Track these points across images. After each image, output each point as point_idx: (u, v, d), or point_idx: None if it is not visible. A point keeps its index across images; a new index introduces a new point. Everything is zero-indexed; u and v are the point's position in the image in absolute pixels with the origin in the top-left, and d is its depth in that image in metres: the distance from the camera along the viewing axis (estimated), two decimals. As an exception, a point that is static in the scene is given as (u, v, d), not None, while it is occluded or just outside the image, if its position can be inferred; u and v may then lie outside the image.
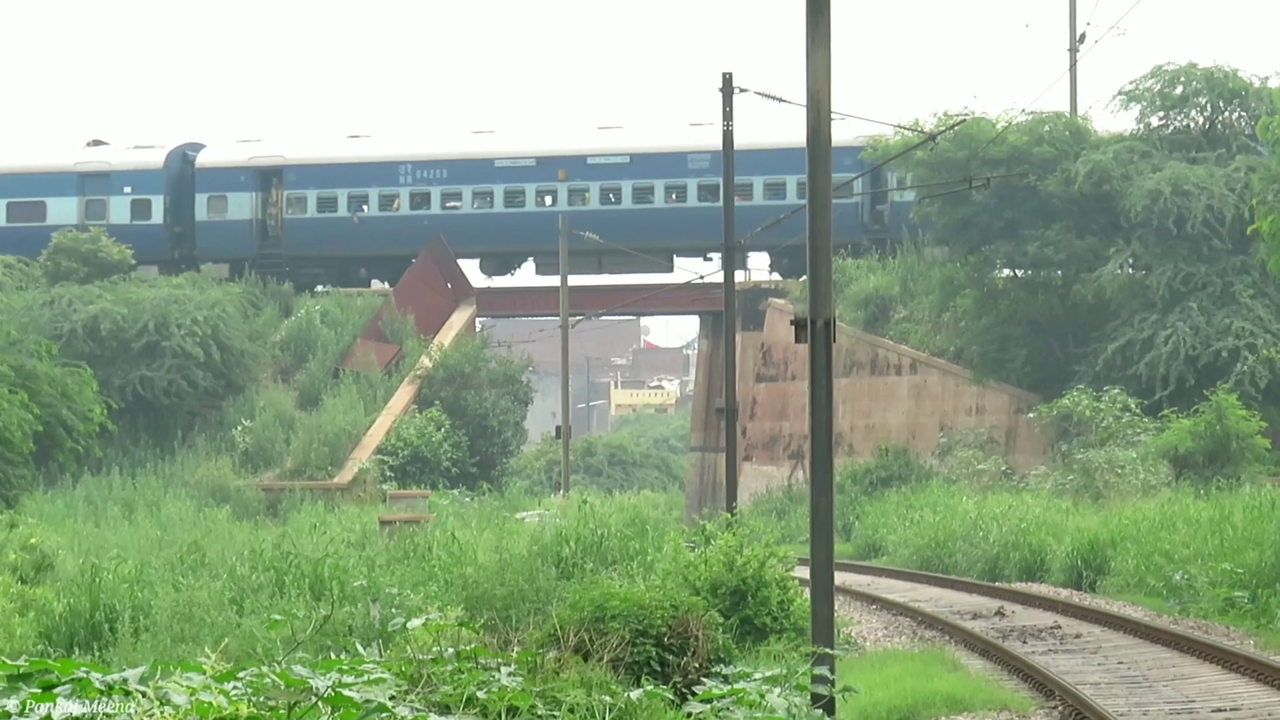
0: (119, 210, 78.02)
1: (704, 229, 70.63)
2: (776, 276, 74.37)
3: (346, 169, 76.69)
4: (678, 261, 75.17)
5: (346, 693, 8.77)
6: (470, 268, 78.08)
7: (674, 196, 73.83)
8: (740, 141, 73.45)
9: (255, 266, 75.97)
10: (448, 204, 75.88)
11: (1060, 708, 21.86)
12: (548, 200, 75.04)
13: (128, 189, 78.16)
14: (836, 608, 20.32)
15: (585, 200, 74.55)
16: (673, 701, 15.19)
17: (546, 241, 72.15)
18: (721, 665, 16.94)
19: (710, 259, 75.18)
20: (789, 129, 73.48)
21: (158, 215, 77.69)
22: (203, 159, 78.47)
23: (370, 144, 78.47)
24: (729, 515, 33.14)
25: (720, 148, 71.67)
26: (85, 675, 8.32)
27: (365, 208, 76.49)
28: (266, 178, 77.62)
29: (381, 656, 16.70)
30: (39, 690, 8.21)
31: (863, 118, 57.29)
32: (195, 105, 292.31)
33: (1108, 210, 60.91)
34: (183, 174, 78.35)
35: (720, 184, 72.17)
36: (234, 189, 77.56)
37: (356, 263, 76.05)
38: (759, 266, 75.31)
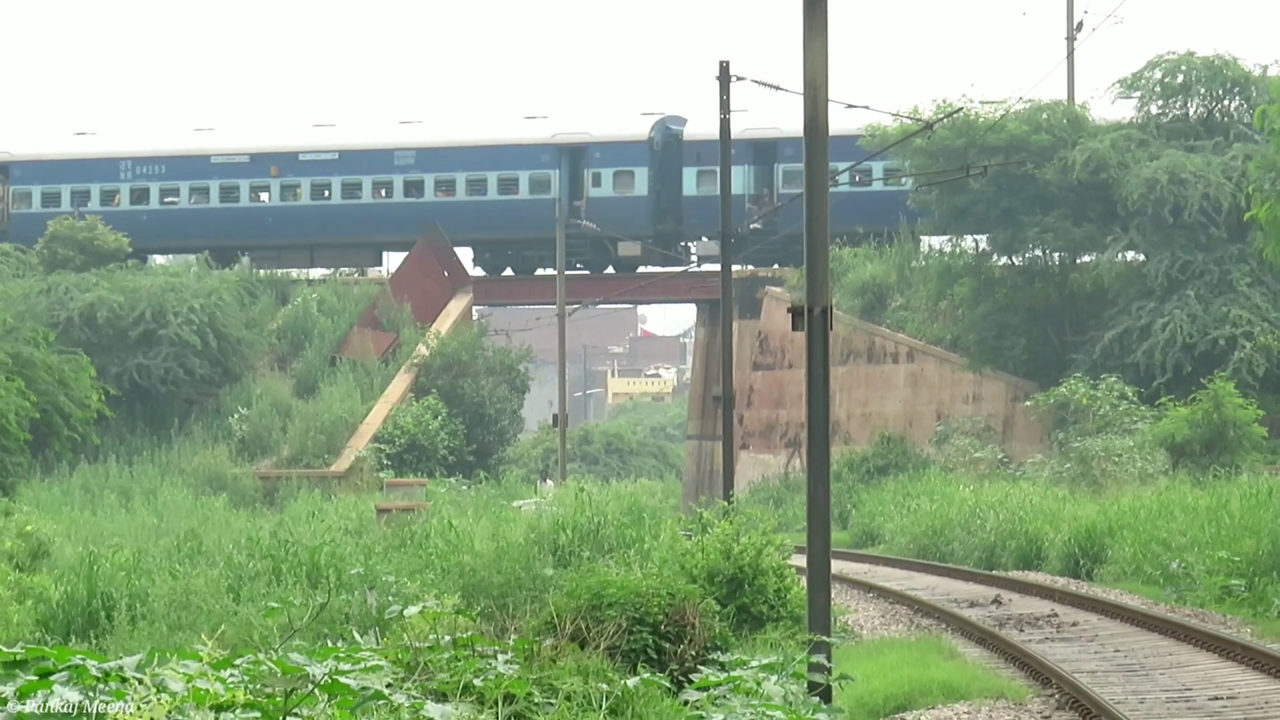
0: None
1: (410, 224, 74.24)
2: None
3: (70, 165, 78.63)
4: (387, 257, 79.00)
5: (343, 680, 8.78)
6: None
7: (381, 193, 76.11)
8: (446, 139, 76.42)
9: None
10: (166, 199, 77.99)
11: (1057, 696, 21.87)
12: (262, 196, 77.23)
13: None
14: (833, 596, 20.32)
15: (297, 196, 76.81)
16: (669, 689, 15.20)
17: (259, 236, 76.24)
18: (718, 653, 16.96)
19: None
20: (494, 128, 76.62)
21: None
22: None
23: (94, 141, 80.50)
24: (726, 503, 33.12)
25: (423, 145, 75.56)
26: (82, 663, 8.32)
27: (88, 203, 78.10)
28: None
29: (378, 644, 16.69)
30: (36, 678, 8.21)
31: (862, 106, 57.25)
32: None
33: (1105, 198, 60.90)
34: None
35: (423, 180, 75.19)
36: None
37: None
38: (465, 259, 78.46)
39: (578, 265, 74.76)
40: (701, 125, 74.27)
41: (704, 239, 72.77)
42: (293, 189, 76.70)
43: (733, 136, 72.23)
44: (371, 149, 76.24)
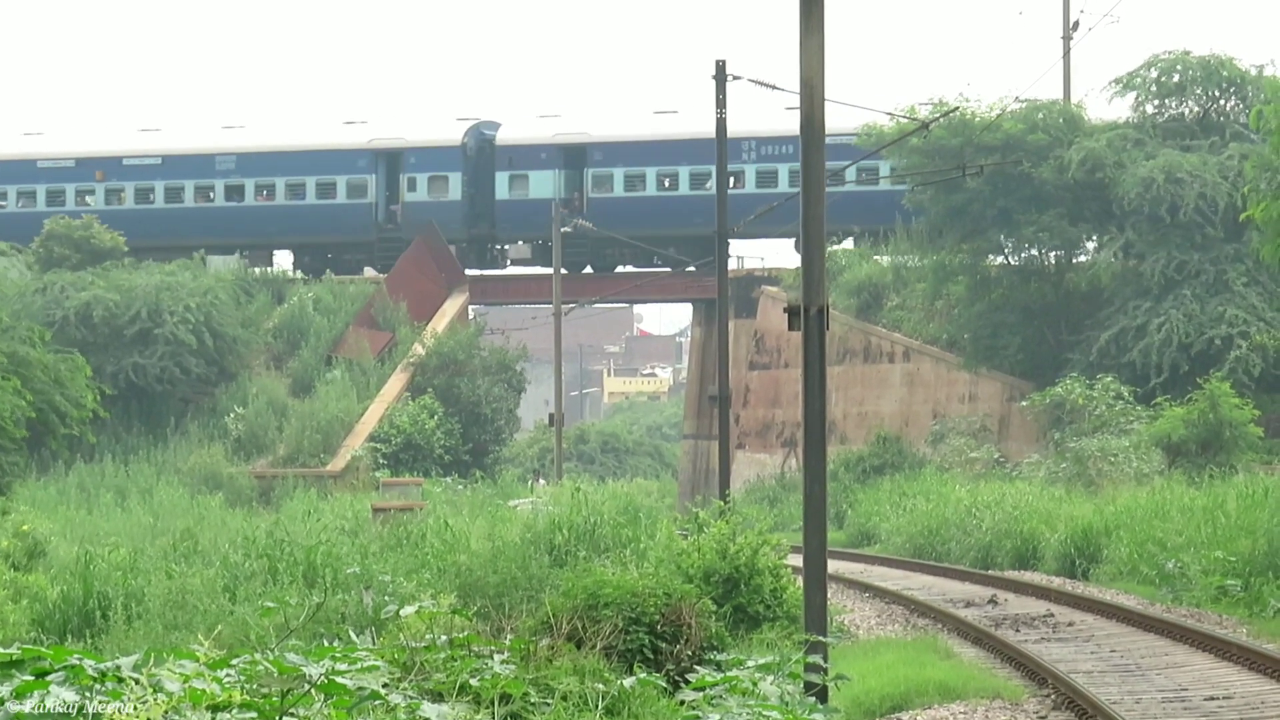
0: None
1: (231, 228, 76.39)
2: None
3: None
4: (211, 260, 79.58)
5: (339, 680, 8.77)
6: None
7: (203, 197, 77.64)
8: (266, 144, 77.71)
9: None
10: None
11: (1053, 696, 21.87)
12: (88, 200, 78.83)
13: None
14: (829, 595, 20.32)
15: (121, 200, 78.27)
16: (665, 689, 15.19)
17: None
18: (714, 653, 16.95)
19: (246, 256, 79.81)
20: (313, 133, 78.38)
21: None
22: None
23: None
24: (722, 503, 33.12)
25: (244, 150, 77.16)
26: (78, 662, 8.31)
27: None
28: None
29: (374, 644, 16.69)
30: (32, 677, 8.20)
31: (858, 105, 57.29)
32: None
33: (1101, 198, 60.92)
34: None
35: (244, 185, 76.55)
36: None
37: None
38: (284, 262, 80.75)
39: None
40: (514, 130, 75.91)
41: (519, 242, 74.08)
42: (117, 193, 78.23)
43: (544, 141, 74.35)
44: (193, 154, 77.87)
